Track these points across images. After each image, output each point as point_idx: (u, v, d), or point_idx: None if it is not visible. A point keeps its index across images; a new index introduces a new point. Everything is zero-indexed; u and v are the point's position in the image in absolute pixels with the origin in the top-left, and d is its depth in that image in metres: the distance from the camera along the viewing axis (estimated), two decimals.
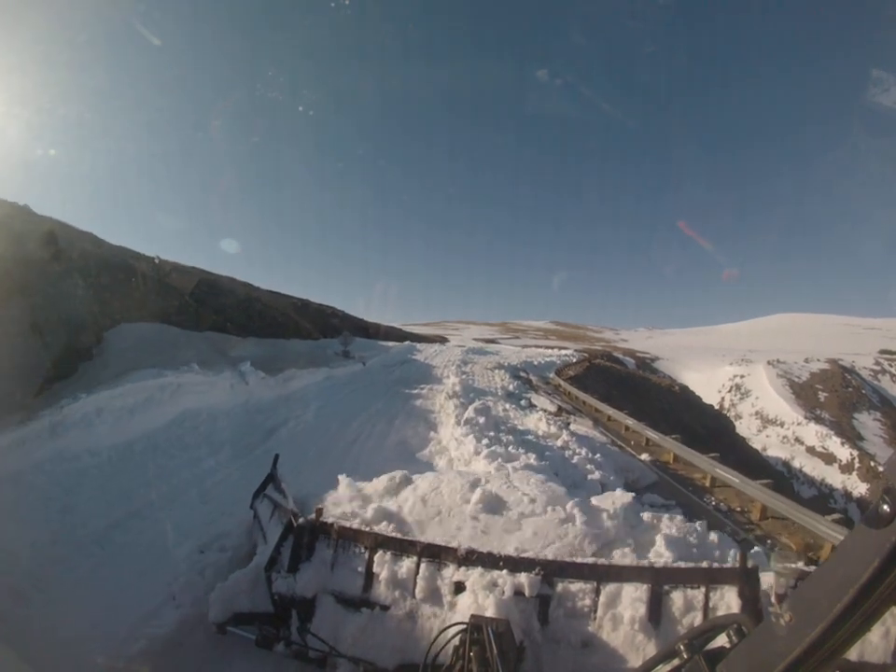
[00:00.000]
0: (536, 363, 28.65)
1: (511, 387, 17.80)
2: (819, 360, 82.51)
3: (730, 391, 77.94)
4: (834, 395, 71.65)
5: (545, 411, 13.59)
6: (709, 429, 33.09)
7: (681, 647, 1.13)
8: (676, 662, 1.14)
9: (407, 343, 33.80)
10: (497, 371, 22.06)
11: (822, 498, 47.87)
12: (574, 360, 33.63)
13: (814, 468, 55.51)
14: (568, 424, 11.78)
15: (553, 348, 51.69)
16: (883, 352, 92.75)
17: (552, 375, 25.34)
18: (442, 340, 52.07)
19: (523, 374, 23.35)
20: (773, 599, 2.54)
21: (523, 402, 14.79)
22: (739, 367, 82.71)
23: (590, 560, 2.92)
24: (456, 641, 1.89)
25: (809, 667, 0.83)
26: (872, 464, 53.02)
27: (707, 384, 75.41)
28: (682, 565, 2.87)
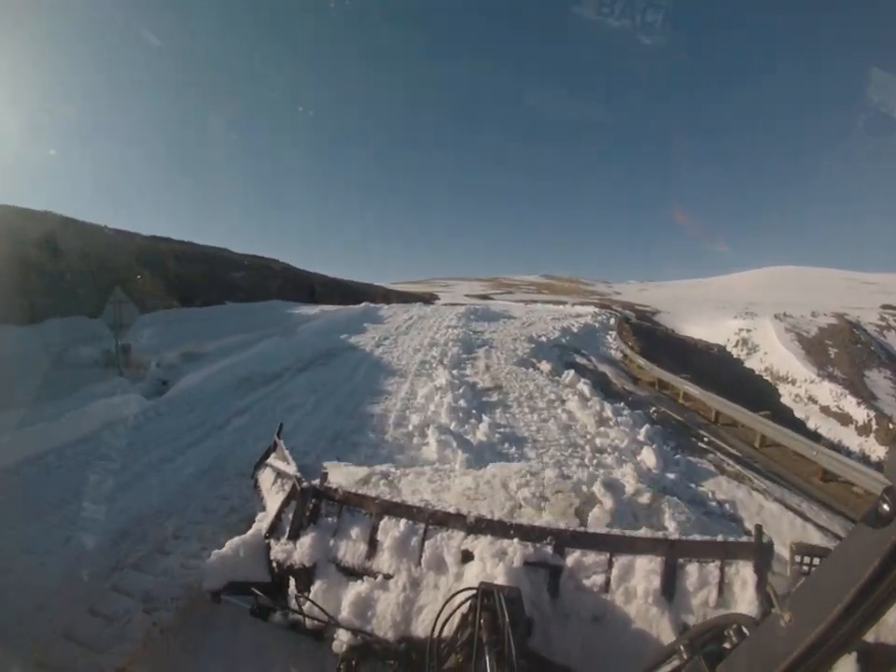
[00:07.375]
0: (576, 330, 22.05)
1: (654, 468, 7.11)
2: (826, 315, 79.19)
3: (736, 346, 74.35)
4: (844, 351, 68.50)
5: None
6: (754, 397, 28.99)
7: (681, 647, 1.14)
8: (676, 662, 1.14)
9: (363, 304, 23.54)
10: (546, 367, 13.10)
11: None
12: (611, 321, 27.66)
13: (830, 429, 52.35)
14: None
15: (562, 304, 45.99)
16: (886, 307, 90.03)
17: (615, 353, 19.13)
18: (430, 298, 44.74)
19: (581, 361, 16.21)
20: (773, 599, 1.84)
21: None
22: (744, 320, 78.64)
23: (603, 530, 2.39)
24: (465, 608, 1.74)
25: (810, 667, 0.83)
26: (890, 426, 50.48)
27: (712, 338, 71.72)
28: (698, 537, 2.35)
